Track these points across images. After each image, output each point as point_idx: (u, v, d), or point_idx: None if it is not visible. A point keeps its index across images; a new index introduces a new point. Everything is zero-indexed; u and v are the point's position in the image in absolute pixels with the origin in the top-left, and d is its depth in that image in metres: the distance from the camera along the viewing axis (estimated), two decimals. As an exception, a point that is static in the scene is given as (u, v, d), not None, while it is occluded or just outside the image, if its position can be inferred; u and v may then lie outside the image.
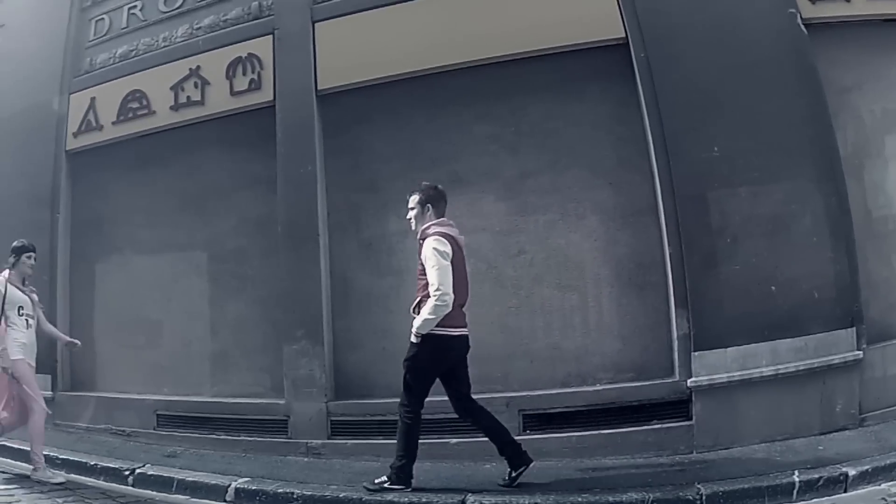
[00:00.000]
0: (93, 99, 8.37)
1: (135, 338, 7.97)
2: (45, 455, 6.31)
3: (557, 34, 6.21)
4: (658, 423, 5.60)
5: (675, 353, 5.73)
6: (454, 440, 5.82)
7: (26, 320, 6.12)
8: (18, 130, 9.02)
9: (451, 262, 4.87)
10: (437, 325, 4.83)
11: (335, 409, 6.46)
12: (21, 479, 5.95)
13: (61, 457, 6.50)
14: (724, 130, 5.79)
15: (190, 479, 5.78)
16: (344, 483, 5.35)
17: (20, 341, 6.00)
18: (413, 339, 4.91)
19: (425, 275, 4.88)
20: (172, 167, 7.95)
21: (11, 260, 6.16)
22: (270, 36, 7.30)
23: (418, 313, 4.91)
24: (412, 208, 5.17)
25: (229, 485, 5.54)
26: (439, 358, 4.96)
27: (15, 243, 6.27)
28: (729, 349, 5.53)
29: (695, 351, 5.60)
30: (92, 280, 8.50)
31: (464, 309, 5.05)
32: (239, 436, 6.75)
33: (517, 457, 5.00)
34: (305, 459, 6.30)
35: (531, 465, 4.97)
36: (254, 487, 5.45)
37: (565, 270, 6.17)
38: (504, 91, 6.45)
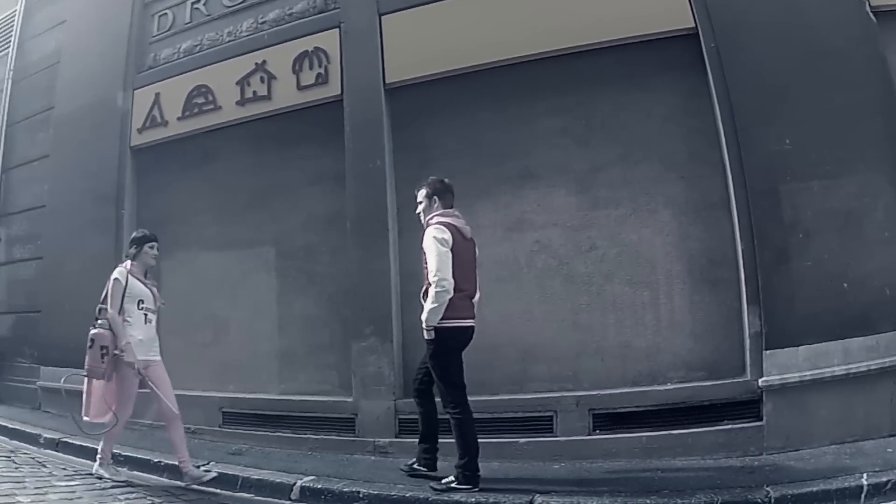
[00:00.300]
0: (157, 94, 9.08)
1: (201, 335, 8.55)
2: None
3: (627, 25, 6.57)
4: (729, 424, 5.84)
5: (746, 351, 5.98)
6: (523, 440, 6.28)
7: (145, 315, 6.23)
8: (82, 127, 9.82)
9: (454, 251, 5.40)
10: (448, 318, 5.35)
11: (403, 407, 6.82)
12: (83, 476, 6.37)
13: (124, 454, 6.94)
14: (796, 122, 6.02)
15: (255, 477, 6.13)
16: (411, 483, 5.65)
17: (136, 338, 6.10)
18: (426, 335, 5.44)
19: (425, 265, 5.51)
20: (239, 163, 8.53)
21: (133, 251, 6.34)
22: (336, 29, 7.84)
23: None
24: (420, 202, 5.82)
25: (294, 483, 5.85)
26: (456, 347, 5.53)
27: (136, 233, 6.49)
28: (800, 348, 5.73)
29: (766, 349, 5.81)
30: (157, 277, 8.81)
31: (473, 301, 5.61)
32: (305, 434, 7.19)
33: (431, 459, 5.81)
34: (372, 458, 6.68)
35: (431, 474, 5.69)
36: (319, 486, 5.76)
37: (637, 266, 6.48)
38: (574, 83, 6.82)
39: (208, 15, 9.02)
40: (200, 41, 8.98)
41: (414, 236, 7.01)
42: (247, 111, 8.33)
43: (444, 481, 5.41)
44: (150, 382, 6.16)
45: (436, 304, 5.34)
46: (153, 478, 6.58)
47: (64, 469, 6.72)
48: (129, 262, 6.33)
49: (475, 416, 6.00)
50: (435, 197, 5.75)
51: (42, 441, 7.84)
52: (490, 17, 7.12)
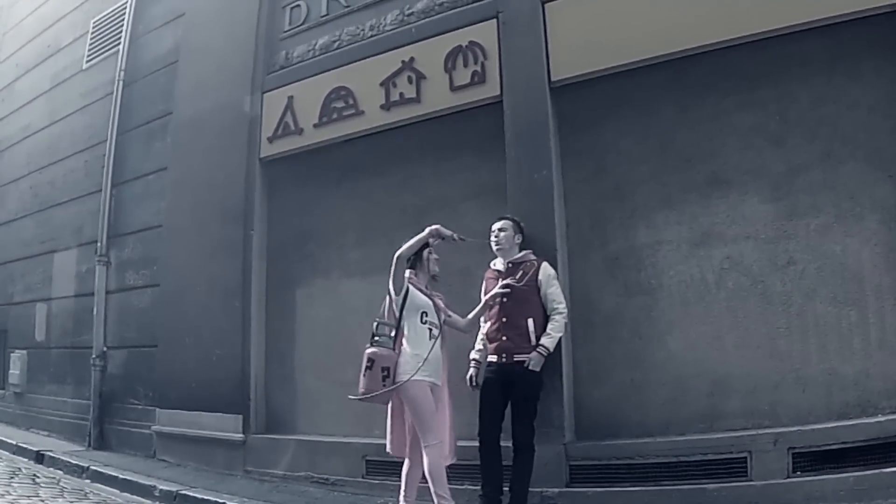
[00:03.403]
0: (290, 98, 10.23)
1: (342, 372, 9.11)
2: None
3: (827, 2, 6.92)
4: None
5: None
6: (713, 486, 6.77)
7: (430, 330, 7.07)
8: (204, 135, 11.10)
9: None
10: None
11: (575, 453, 7.47)
12: None
13: None
14: None
15: None
16: None
17: (421, 356, 6.93)
18: (536, 366, 7.02)
19: (529, 297, 7.17)
20: (385, 176, 9.58)
21: (410, 260, 7.28)
22: (494, 20, 8.61)
23: (505, 337, 7.13)
24: (504, 230, 7.45)
25: None
26: None
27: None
28: None
29: None
30: (292, 307, 10.19)
31: None
32: (462, 484, 7.59)
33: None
34: (539, 512, 7.20)
35: None
36: None
37: (841, 282, 6.82)
38: (766, 73, 7.33)
39: (347, 6, 10.04)
40: (339, 37, 10.01)
41: (587, 256, 7.93)
42: (393, 116, 9.26)
43: None
44: (413, 413, 7.02)
45: (562, 334, 7.23)
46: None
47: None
48: (408, 271, 7.29)
49: (659, 460, 7.10)
50: (520, 234, 7.42)
51: (157, 494, 8.90)
52: (671, 1, 7.65)
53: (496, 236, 7.43)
